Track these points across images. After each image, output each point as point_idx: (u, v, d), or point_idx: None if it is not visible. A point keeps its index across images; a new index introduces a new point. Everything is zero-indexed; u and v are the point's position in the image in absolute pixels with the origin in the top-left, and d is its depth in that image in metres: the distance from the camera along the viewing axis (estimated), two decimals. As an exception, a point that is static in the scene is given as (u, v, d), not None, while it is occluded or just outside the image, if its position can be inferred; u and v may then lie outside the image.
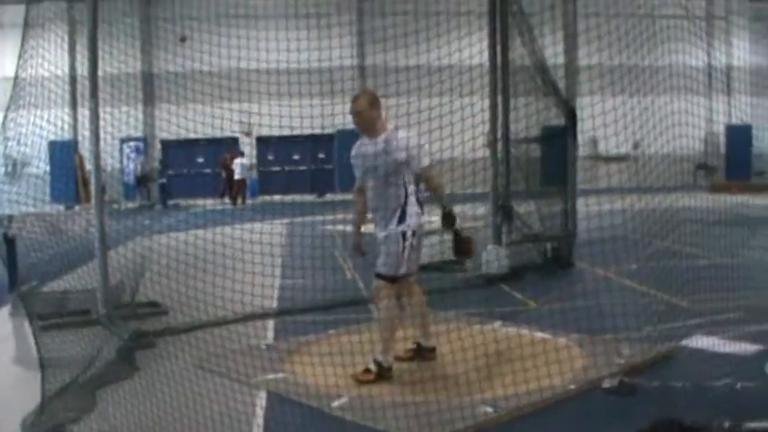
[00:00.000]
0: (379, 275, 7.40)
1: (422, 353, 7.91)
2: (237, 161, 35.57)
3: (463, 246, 7.98)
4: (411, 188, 7.36)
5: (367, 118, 7.40)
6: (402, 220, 7.31)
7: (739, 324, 8.87)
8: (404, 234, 7.27)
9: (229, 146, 36.00)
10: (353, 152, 7.65)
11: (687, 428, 5.52)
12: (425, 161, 7.40)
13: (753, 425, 5.56)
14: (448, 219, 7.65)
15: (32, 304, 10.16)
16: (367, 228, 7.89)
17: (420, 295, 7.85)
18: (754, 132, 37.43)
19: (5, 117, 9.99)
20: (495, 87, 13.23)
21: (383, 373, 7.27)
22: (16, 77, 9.89)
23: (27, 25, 9.91)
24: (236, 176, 35.58)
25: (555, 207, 14.04)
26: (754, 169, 39.65)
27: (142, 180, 35.82)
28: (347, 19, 36.48)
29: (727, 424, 5.52)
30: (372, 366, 7.28)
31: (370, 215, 7.70)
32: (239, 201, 35.11)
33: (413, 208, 7.34)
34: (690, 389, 6.61)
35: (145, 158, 36.79)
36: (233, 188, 35.82)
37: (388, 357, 7.34)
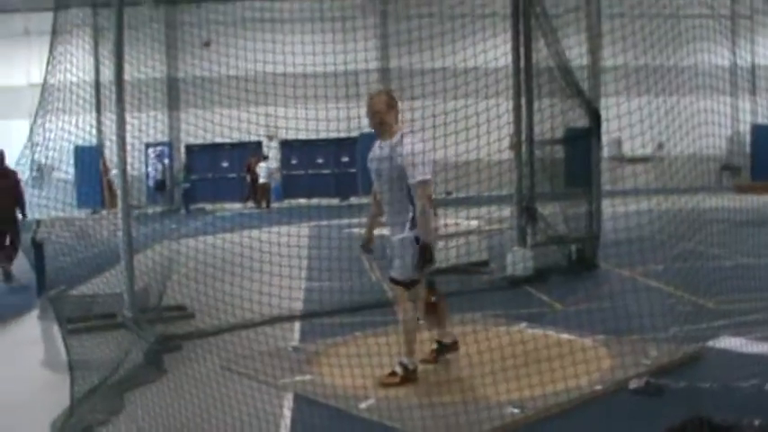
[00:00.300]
0: (393, 281, 7.40)
1: (444, 350, 7.90)
2: (262, 165, 35.71)
3: (429, 308, 7.66)
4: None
5: (384, 119, 7.29)
6: (414, 225, 7.20)
7: (766, 325, 8.82)
8: (417, 239, 7.18)
9: (254, 150, 36.13)
10: (369, 154, 7.55)
11: (717, 427, 5.50)
12: (419, 175, 7.05)
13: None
14: (423, 255, 7.12)
15: (61, 308, 10.25)
16: (381, 230, 7.84)
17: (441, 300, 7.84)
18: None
19: (34, 122, 10.09)
20: (519, 89, 13.22)
21: (409, 376, 7.28)
22: (45, 83, 9.99)
23: (55, 32, 10.00)
24: (261, 180, 35.72)
25: (579, 208, 14.01)
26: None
27: (160, 186, 35.94)
28: (371, 22, 36.52)
29: (757, 422, 5.50)
30: (398, 369, 7.29)
31: (384, 218, 7.66)
32: (263, 204, 35.20)
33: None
34: (717, 390, 6.59)
35: (164, 164, 36.81)
36: (257, 192, 35.94)
37: (412, 359, 7.35)
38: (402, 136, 7.23)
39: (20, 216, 14.44)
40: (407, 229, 7.23)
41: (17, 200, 14.29)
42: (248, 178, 36.85)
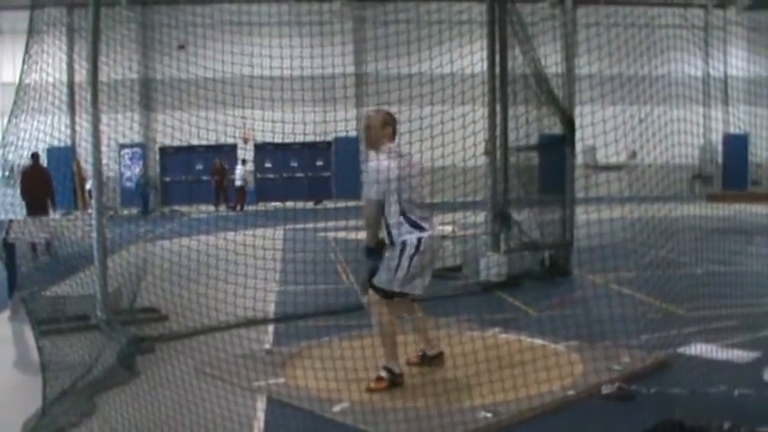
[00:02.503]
0: (372, 287, 7.37)
1: (429, 361, 7.87)
2: (238, 168, 35.63)
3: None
4: (386, 207, 7.23)
5: (373, 135, 7.37)
6: (389, 237, 7.25)
7: (736, 332, 8.91)
8: (403, 247, 7.15)
9: (227, 153, 36.08)
10: None
11: (689, 430, 5.58)
12: (365, 193, 7.34)
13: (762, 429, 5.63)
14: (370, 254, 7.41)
15: (33, 309, 10.17)
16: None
17: (419, 312, 7.82)
18: (752, 141, 37.50)
19: (9, 122, 10.01)
20: (495, 96, 13.25)
21: (395, 380, 7.25)
22: (20, 83, 9.92)
23: (31, 31, 9.93)
24: (237, 183, 35.67)
25: (553, 215, 14.07)
26: (752, 179, 39.67)
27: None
28: (347, 27, 36.54)
29: (727, 425, 5.57)
30: (384, 374, 7.25)
31: None
32: (238, 207, 35.02)
33: (402, 228, 7.19)
34: (687, 395, 6.65)
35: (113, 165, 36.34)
36: (227, 195, 35.82)
37: (397, 362, 7.31)
38: (379, 154, 7.27)
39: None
40: (388, 240, 7.28)
41: (49, 192, 16.71)
42: (213, 181, 36.68)
